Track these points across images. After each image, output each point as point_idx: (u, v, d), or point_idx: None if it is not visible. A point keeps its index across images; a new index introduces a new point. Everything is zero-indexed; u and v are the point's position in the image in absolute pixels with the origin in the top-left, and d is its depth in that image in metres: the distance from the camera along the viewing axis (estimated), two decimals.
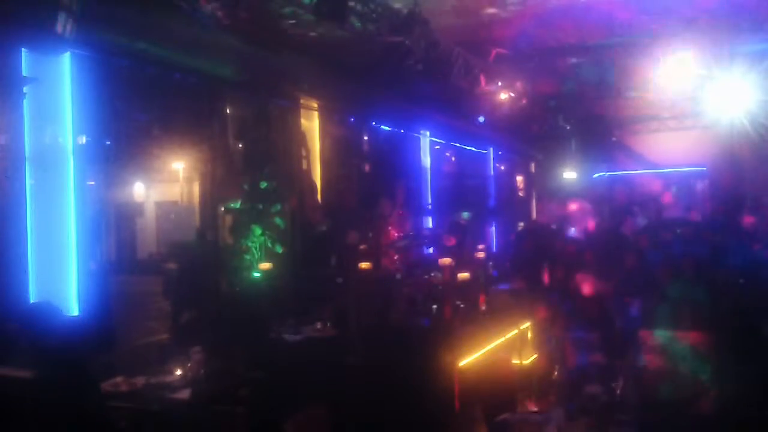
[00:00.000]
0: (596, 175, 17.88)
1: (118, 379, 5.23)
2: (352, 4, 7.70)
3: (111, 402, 4.84)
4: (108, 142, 7.49)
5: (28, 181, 5.68)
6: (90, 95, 6.13)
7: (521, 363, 7.21)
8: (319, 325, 6.96)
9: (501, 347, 6.87)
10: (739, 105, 11.40)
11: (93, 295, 5.94)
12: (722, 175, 15.46)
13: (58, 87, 5.87)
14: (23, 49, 5.60)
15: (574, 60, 11.88)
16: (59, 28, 5.26)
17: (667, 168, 17.41)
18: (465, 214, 13.47)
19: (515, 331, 7.19)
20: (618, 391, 6.33)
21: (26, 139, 5.69)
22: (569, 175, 17.41)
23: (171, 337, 7.40)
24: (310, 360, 6.21)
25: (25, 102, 5.65)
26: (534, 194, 18.23)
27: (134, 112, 8.03)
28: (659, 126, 17.12)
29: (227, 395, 5.22)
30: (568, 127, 16.58)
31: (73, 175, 5.90)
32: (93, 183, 6.87)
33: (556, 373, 7.32)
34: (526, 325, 7.55)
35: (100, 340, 5.72)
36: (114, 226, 7.47)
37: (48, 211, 5.78)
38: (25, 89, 5.61)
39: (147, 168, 10.41)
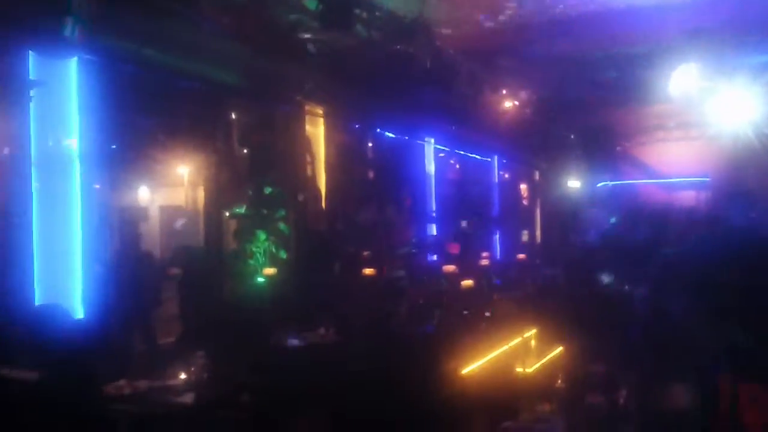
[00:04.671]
0: (600, 185, 17.88)
1: (122, 381, 5.24)
2: (357, 11, 7.74)
3: (114, 405, 4.85)
4: (113, 147, 7.51)
5: (35, 185, 5.71)
6: (96, 100, 6.15)
7: (525, 371, 7.19)
8: (322, 331, 6.95)
9: (505, 355, 6.85)
10: (744, 116, 11.39)
11: (98, 299, 5.95)
12: (726, 185, 15.44)
13: (65, 91, 5.90)
14: (31, 52, 5.64)
15: (579, 70, 11.90)
16: (67, 32, 5.30)
17: (671, 178, 17.40)
18: (469, 222, 13.49)
19: (519, 339, 7.18)
20: (621, 401, 6.31)
21: (33, 142, 5.73)
22: (573, 184, 17.42)
23: (175, 341, 7.41)
24: (312, 366, 6.20)
25: (32, 105, 5.68)
26: (538, 203, 18.22)
27: (140, 117, 8.06)
28: (664, 136, 17.13)
29: (229, 400, 5.22)
30: (572, 136, 16.61)
31: (79, 178, 5.92)
32: (98, 187, 6.88)
33: (559, 381, 7.30)
34: (531, 332, 7.53)
35: (104, 342, 5.74)
36: (118, 230, 7.50)
37: (54, 214, 5.80)
38: (32, 93, 5.64)
39: (152, 172, 10.45)
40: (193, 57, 7.36)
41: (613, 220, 13.96)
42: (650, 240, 10.27)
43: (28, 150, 5.69)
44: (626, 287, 8.43)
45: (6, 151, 5.79)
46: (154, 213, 12.45)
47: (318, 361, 6.37)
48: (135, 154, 8.77)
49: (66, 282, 5.80)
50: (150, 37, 6.68)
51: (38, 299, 5.58)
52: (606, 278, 8.74)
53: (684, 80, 10.41)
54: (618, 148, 17.66)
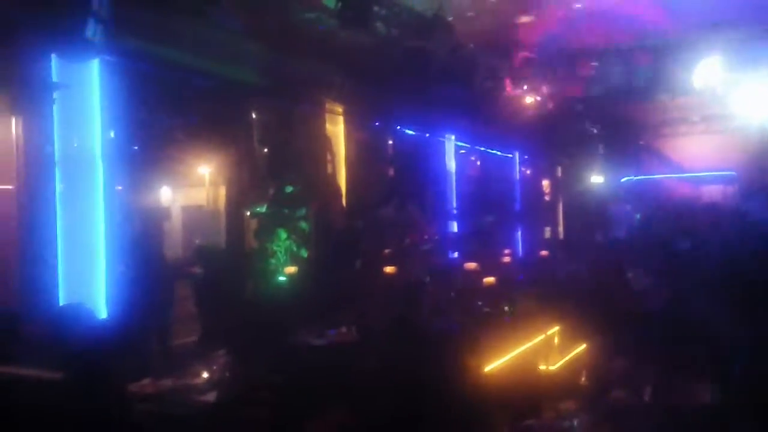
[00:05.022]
0: (624, 180, 17.71)
1: (145, 381, 5.28)
2: (376, 8, 7.72)
3: (137, 404, 4.89)
4: (135, 147, 7.57)
5: (58, 186, 5.77)
6: (118, 101, 6.21)
7: (548, 369, 7.15)
8: (343, 330, 6.95)
9: (528, 353, 6.82)
10: None
11: (121, 298, 6.01)
12: (751, 179, 15.24)
13: (87, 93, 5.96)
14: (53, 55, 5.69)
15: (601, 63, 11.80)
16: (89, 34, 5.35)
17: (695, 172, 17.18)
18: (490, 219, 13.42)
19: (542, 337, 7.14)
20: (645, 397, 6.26)
21: (56, 144, 5.79)
22: (596, 179, 17.27)
23: (196, 341, 7.46)
24: (333, 364, 6.21)
25: (55, 107, 5.74)
26: (560, 198, 18.09)
27: (161, 118, 8.10)
28: (688, 129, 16.91)
29: (251, 399, 5.24)
30: (595, 131, 16.46)
31: (102, 179, 5.98)
32: (121, 188, 6.94)
33: (582, 379, 7.26)
34: (554, 330, 7.49)
35: (128, 342, 5.79)
36: (141, 230, 7.56)
37: (78, 214, 5.87)
38: (55, 95, 5.70)
39: (173, 173, 10.51)
40: (212, 56, 7.39)
41: (638, 216, 13.86)
42: (676, 235, 10.19)
43: (52, 151, 5.76)
44: (654, 281, 8.42)
45: (31, 152, 5.86)
46: (176, 213, 12.52)
47: (339, 360, 6.38)
48: (156, 154, 8.81)
49: (90, 282, 5.87)
50: (170, 37, 6.72)
51: (62, 299, 5.65)
52: (635, 273, 8.74)
53: (708, 72, 10.29)
54: (641, 142, 17.47)
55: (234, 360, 5.51)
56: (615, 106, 14.84)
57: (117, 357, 4.52)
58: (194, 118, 8.34)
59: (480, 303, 7.33)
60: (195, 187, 12.11)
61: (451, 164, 12.66)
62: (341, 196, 9.77)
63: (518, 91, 12.41)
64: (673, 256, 9.14)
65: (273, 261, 8.38)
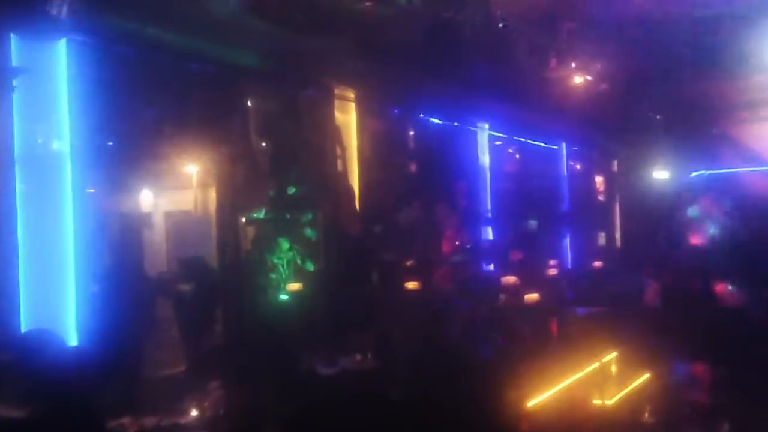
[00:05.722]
0: (694, 174, 17.58)
1: (125, 419, 5.31)
2: None
3: None
4: (111, 143, 7.63)
5: (19, 188, 5.80)
6: (90, 88, 6.26)
7: (604, 403, 7.10)
8: (358, 356, 6.98)
9: (579, 384, 6.78)
10: None
11: (95, 321, 6.04)
12: None
13: (53, 79, 6.00)
14: (12, 34, 5.74)
15: (665, 35, 11.72)
16: (54, 9, 5.39)
17: None
18: (533, 223, 13.38)
19: (596, 364, 7.10)
20: None
21: (16, 139, 5.81)
22: (661, 174, 17.15)
23: (185, 371, 7.49)
24: (348, 396, 6.22)
25: (15, 96, 5.78)
26: (617, 198, 17.99)
27: (141, 108, 8.15)
28: None
29: None
30: (658, 117, 16.35)
31: (71, 181, 6.02)
32: (93, 190, 7.00)
33: (646, 415, 7.22)
34: (610, 356, 7.44)
35: (104, 373, 5.82)
36: (117, 241, 7.61)
37: (42, 222, 5.90)
38: (14, 81, 5.74)
39: (156, 173, 10.56)
40: (203, 35, 7.44)
41: (719, 217, 13.79)
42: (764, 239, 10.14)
43: (11, 148, 5.79)
44: (748, 294, 8.40)
45: None
46: (159, 220, 12.57)
47: (354, 392, 6.39)
48: (136, 151, 8.87)
49: (57, 303, 5.89)
50: (154, 13, 6.77)
51: (25, 323, 5.67)
52: (726, 286, 8.72)
53: None
54: (714, 130, 17.33)
55: (229, 394, 5.53)
56: (682, 86, 14.75)
57: (90, 392, 4.55)
58: (180, 109, 8.38)
59: (521, 324, 7.29)
60: (181, 189, 12.16)
61: (485, 158, 12.64)
62: (354, 197, 9.79)
63: (566, 70, 12.35)
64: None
65: (274, 276, 8.41)
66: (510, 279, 8.69)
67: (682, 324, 8.15)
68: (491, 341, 6.90)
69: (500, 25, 9.95)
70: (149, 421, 5.38)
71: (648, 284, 10.06)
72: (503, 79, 11.00)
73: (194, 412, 5.48)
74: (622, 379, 7.47)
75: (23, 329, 5.60)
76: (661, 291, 9.79)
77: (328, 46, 8.90)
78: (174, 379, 7.47)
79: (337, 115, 9.71)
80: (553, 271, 11.30)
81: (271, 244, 8.48)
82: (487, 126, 12.62)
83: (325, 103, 9.49)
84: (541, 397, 6.20)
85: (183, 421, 5.39)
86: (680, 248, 14.15)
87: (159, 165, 10.19)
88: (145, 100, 7.86)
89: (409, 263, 9.53)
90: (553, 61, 12.40)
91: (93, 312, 6.08)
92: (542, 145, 14.86)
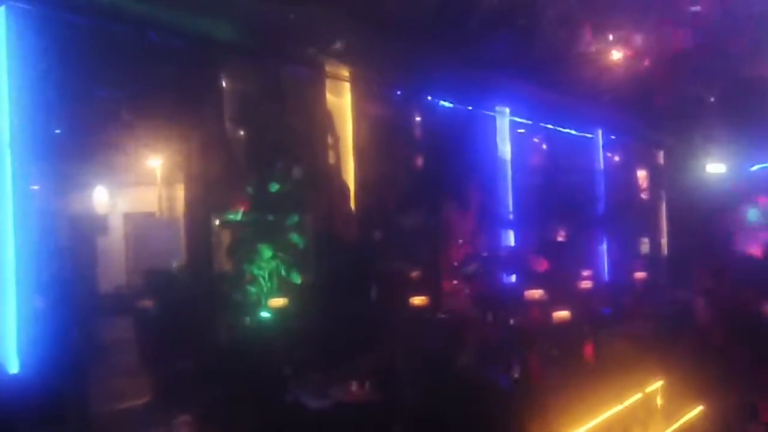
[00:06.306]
0: (755, 168, 17.59)
1: None
2: None
3: None
4: (58, 130, 7.63)
5: None
6: (34, 64, 6.25)
7: None
8: (354, 387, 6.97)
9: (618, 417, 6.79)
10: None
11: (38, 345, 6.03)
12: None
13: None
14: None
15: (719, 2, 11.73)
16: None
17: None
18: (562, 227, 13.37)
19: (639, 395, 7.11)
20: None
21: None
22: (715, 168, 17.15)
23: (147, 403, 7.48)
24: None
25: None
26: (663, 196, 17.99)
27: (96, 89, 8.16)
28: None
29: None
30: (712, 99, 16.34)
31: (10, 175, 6.01)
32: (37, 187, 6.99)
33: None
34: (656, 385, 7.45)
35: (49, 406, 5.81)
36: (66, 248, 7.60)
37: None
38: None
39: (113, 166, 10.58)
40: (170, 3, 7.43)
41: None
42: None
43: None
44: None
45: None
46: (117, 223, 12.60)
47: (350, 428, 6.38)
48: (89, 140, 8.89)
49: None
50: None
51: None
52: None
53: None
54: None
55: (200, 427, 5.52)
56: (740, 63, 14.75)
57: (33, 426, 4.54)
58: (142, 90, 8.39)
59: (548, 348, 7.30)
60: (143, 186, 12.20)
61: (506, 149, 12.64)
62: (349, 196, 9.78)
63: (601, 44, 12.36)
64: None
65: (254, 289, 8.41)
66: (535, 293, 8.70)
67: (740, 348, 8.16)
68: (513, 368, 6.89)
69: None
70: None
71: (699, 301, 10.04)
72: (527, 54, 11.01)
73: None
74: (670, 412, 7.48)
75: None
76: (715, 309, 9.78)
77: (317, 15, 8.91)
78: (133, 414, 7.45)
79: (329, 97, 9.71)
80: (586, 284, 11.29)
81: (250, 252, 8.48)
82: (507, 110, 12.62)
83: (314, 84, 9.49)
84: None
85: None
86: (738, 257, 14.11)
87: (116, 157, 10.23)
88: (99, 79, 7.85)
89: (414, 275, 9.51)
90: (587, 33, 12.40)
91: (37, 333, 6.07)
92: (574, 133, 14.87)
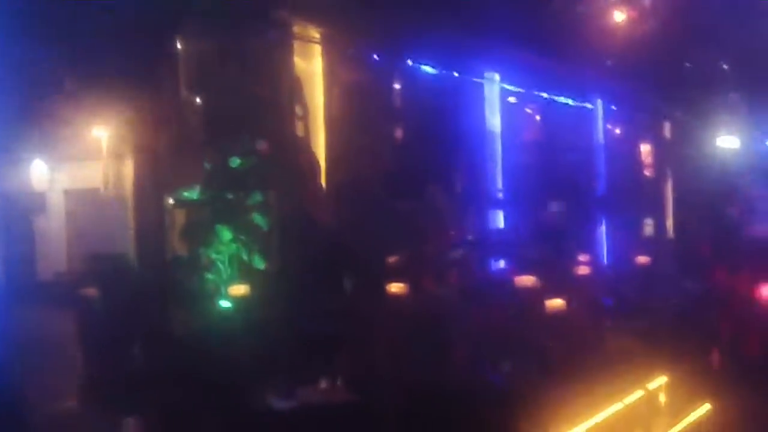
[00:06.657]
0: None
1: None
2: None
3: None
4: None
5: None
6: None
7: None
8: (324, 386, 6.98)
9: (618, 417, 6.82)
10: None
11: None
12: None
13: None
14: None
15: None
16: None
17: None
18: (557, 207, 13.42)
19: (641, 393, 7.15)
20: None
21: None
22: (727, 142, 17.26)
23: (90, 406, 7.45)
24: None
25: None
26: (669, 174, 18.11)
27: (32, 51, 8.11)
28: None
29: None
30: (725, 66, 16.43)
31: None
32: None
33: None
34: (659, 382, 7.50)
35: None
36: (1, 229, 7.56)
37: None
38: None
39: (52, 138, 10.53)
40: None
41: None
42: None
43: None
44: None
45: None
46: (57, 201, 12.54)
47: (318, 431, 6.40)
48: (25, 110, 8.83)
49: None
50: None
51: None
52: None
53: None
54: None
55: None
56: (757, 27, 14.84)
57: None
58: (85, 53, 8.34)
59: (543, 341, 7.33)
60: (86, 160, 12.14)
61: (495, 121, 12.66)
62: (319, 172, 9.78)
63: (603, 2, 12.38)
64: None
65: (211, 276, 8.40)
66: (527, 281, 8.70)
67: (751, 343, 8.24)
68: (504, 364, 6.91)
69: None
70: None
71: (708, 290, 10.13)
72: (519, 14, 11.01)
73: None
74: (674, 411, 7.53)
75: None
76: (725, 299, 9.87)
77: None
78: (74, 418, 7.43)
79: (297, 61, 9.69)
80: (584, 271, 11.31)
81: (207, 234, 8.46)
82: (497, 77, 12.64)
83: (280, 47, 9.46)
84: None
85: None
86: (751, 242, 14.24)
87: (56, 128, 10.16)
88: (37, 41, 7.81)
89: (393, 261, 9.51)
90: None
91: None
92: (571, 102, 14.91)
